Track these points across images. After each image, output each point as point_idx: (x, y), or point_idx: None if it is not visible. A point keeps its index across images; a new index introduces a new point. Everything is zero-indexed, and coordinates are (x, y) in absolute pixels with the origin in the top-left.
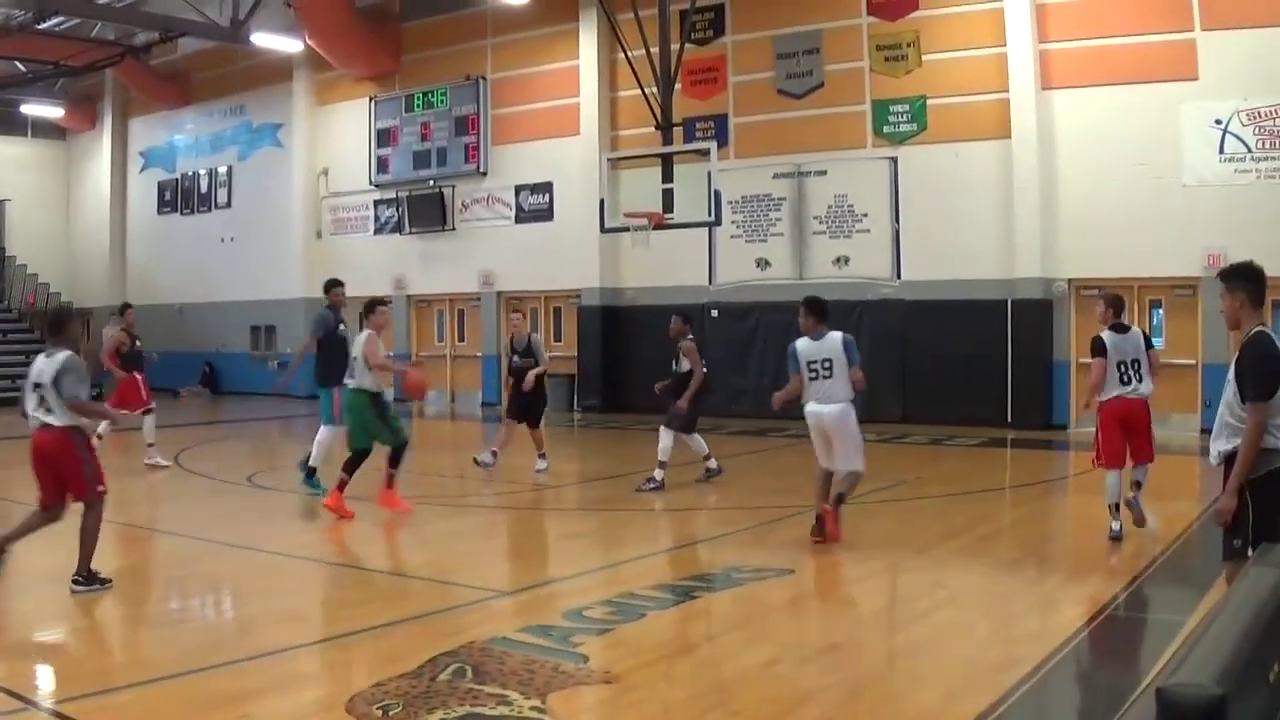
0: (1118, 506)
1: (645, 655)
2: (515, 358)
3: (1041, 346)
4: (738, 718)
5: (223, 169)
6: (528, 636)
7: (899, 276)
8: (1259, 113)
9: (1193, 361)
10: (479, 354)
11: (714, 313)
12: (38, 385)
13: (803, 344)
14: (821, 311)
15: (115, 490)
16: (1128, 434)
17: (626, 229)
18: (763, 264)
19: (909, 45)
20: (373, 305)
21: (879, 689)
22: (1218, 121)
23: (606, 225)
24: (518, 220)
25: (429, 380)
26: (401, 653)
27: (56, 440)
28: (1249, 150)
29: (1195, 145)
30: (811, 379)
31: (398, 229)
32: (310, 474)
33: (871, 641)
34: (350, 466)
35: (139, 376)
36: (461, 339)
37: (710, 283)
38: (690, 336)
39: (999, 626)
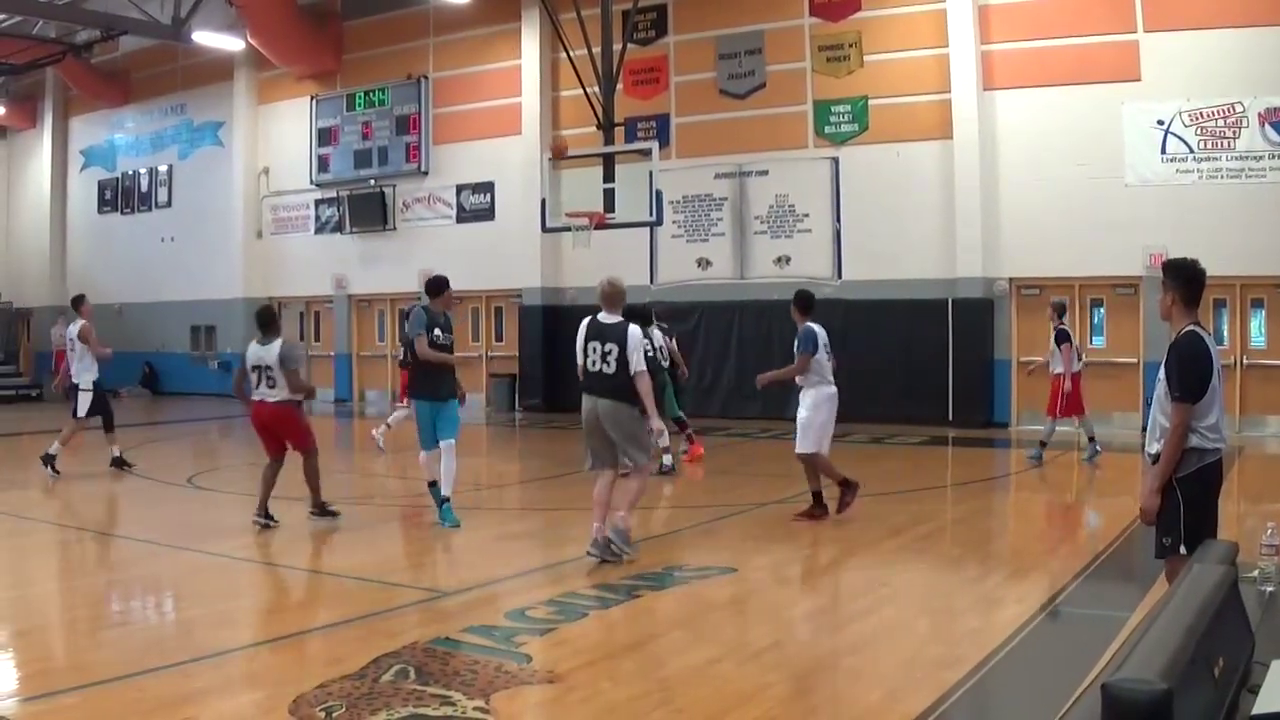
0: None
1: (588, 655)
2: None
3: (982, 345)
4: (681, 716)
5: (163, 168)
6: (471, 637)
7: (840, 276)
8: (1201, 113)
9: (1134, 360)
10: None
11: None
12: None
13: (820, 330)
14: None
15: (55, 494)
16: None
17: (568, 229)
18: (704, 264)
19: (851, 46)
20: None
21: (822, 687)
22: (1160, 122)
23: (548, 225)
24: (459, 220)
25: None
26: (344, 654)
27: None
28: (1191, 151)
29: (1137, 146)
30: (828, 361)
31: (338, 228)
32: (444, 502)
33: (814, 640)
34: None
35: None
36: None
37: (651, 282)
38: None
39: (941, 624)
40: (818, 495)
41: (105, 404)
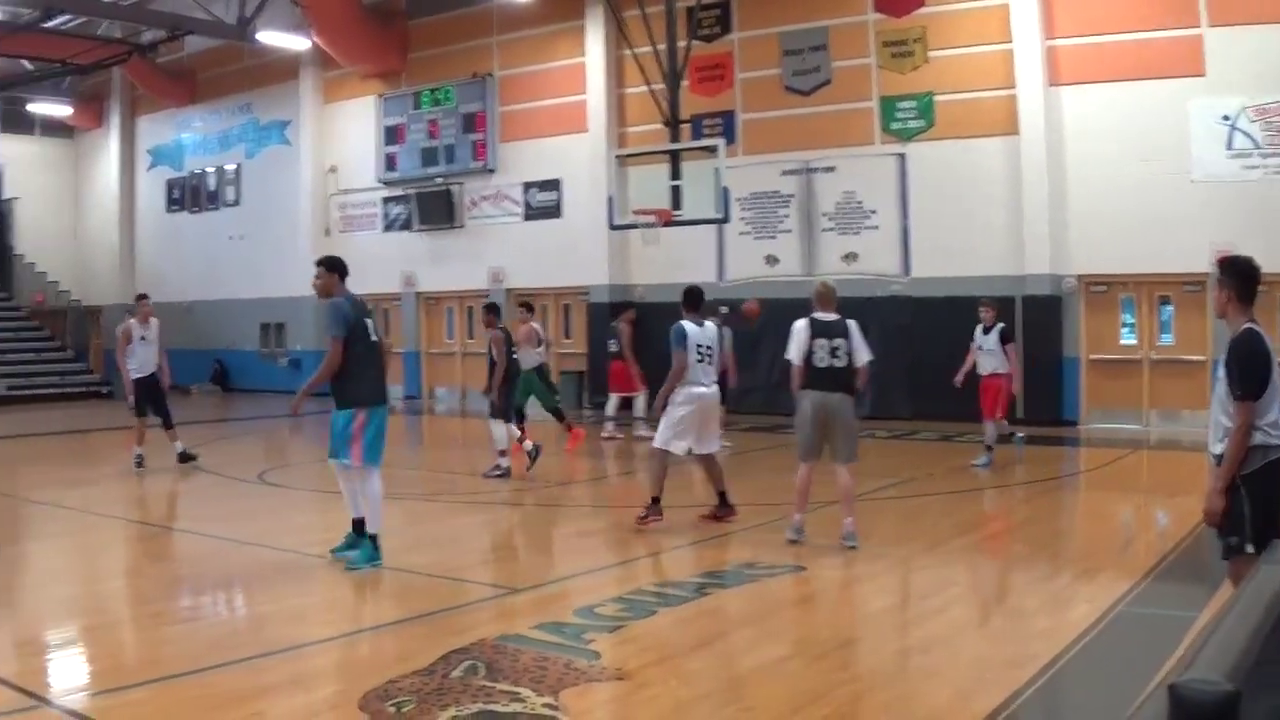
0: None
1: (657, 652)
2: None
3: (1051, 343)
4: (750, 715)
5: (230, 167)
6: (540, 634)
7: (908, 273)
8: (1266, 109)
9: (1202, 358)
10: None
11: (723, 310)
12: None
13: (693, 327)
14: (697, 301)
15: (127, 490)
16: None
17: (635, 226)
18: (772, 261)
19: (915, 41)
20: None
21: (891, 686)
22: (1225, 118)
23: (615, 222)
24: (526, 217)
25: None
26: (414, 650)
27: None
28: (1257, 146)
29: (1203, 141)
30: (698, 361)
31: (406, 226)
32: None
33: (884, 638)
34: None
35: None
36: (471, 336)
37: (719, 279)
38: (500, 326)
39: (1010, 623)
40: (722, 495)
41: (150, 399)
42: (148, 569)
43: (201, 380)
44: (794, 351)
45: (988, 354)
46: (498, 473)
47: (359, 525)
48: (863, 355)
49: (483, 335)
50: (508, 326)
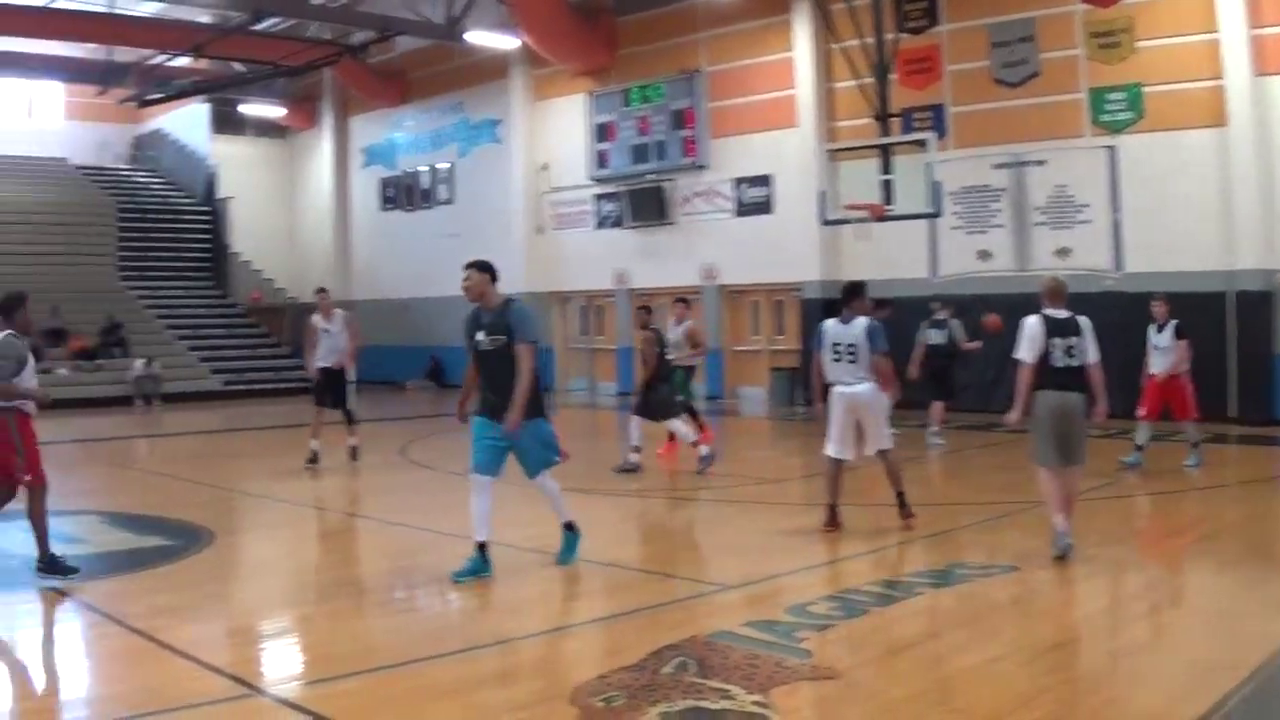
0: None
1: (867, 652)
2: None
3: (1263, 340)
4: (960, 717)
5: (443, 165)
6: (751, 631)
7: (1120, 268)
8: None
9: None
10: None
11: (935, 306)
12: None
13: (832, 325)
14: (850, 296)
15: (340, 483)
16: None
17: (847, 221)
18: (984, 256)
19: (1123, 32)
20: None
21: (1102, 689)
22: None
23: (826, 217)
24: (738, 213)
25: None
26: (624, 645)
27: None
28: None
29: None
30: (834, 360)
31: (618, 223)
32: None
33: (1095, 641)
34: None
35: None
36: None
37: (932, 275)
38: (651, 327)
39: (1222, 627)
40: (900, 496)
41: (329, 390)
42: (359, 561)
43: (416, 376)
44: (1026, 350)
45: (1161, 352)
46: (705, 465)
47: (484, 547)
48: (1093, 354)
49: (637, 333)
50: (659, 327)
